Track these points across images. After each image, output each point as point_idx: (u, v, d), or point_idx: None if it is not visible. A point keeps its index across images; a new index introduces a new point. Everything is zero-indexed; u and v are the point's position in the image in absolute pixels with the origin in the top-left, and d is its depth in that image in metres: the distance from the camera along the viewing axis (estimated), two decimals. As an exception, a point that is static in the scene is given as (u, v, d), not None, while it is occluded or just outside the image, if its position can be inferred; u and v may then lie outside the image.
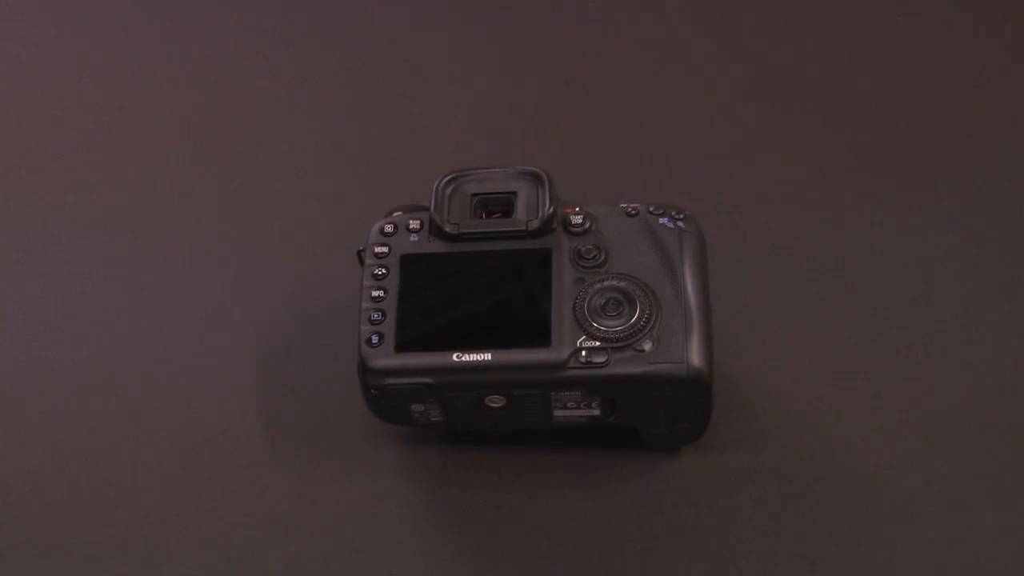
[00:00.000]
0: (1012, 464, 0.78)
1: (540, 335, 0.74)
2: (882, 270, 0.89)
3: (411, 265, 0.77)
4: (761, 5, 1.08)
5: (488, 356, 0.73)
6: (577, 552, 0.75)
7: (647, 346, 0.74)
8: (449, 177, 0.78)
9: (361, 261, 0.78)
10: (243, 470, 0.80)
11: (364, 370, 0.74)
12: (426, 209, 0.78)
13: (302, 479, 0.79)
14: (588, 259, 0.76)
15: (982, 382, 0.82)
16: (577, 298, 0.75)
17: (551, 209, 0.77)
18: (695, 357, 0.74)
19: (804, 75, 1.03)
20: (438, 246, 0.77)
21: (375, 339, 0.75)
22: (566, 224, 0.77)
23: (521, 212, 0.77)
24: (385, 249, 0.78)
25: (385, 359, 0.73)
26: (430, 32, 1.07)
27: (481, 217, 0.78)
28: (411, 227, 0.78)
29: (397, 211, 0.80)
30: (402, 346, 0.75)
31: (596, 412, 0.75)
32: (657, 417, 0.76)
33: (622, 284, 0.75)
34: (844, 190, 0.94)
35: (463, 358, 0.73)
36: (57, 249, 0.91)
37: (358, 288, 0.77)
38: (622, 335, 0.74)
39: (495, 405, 0.75)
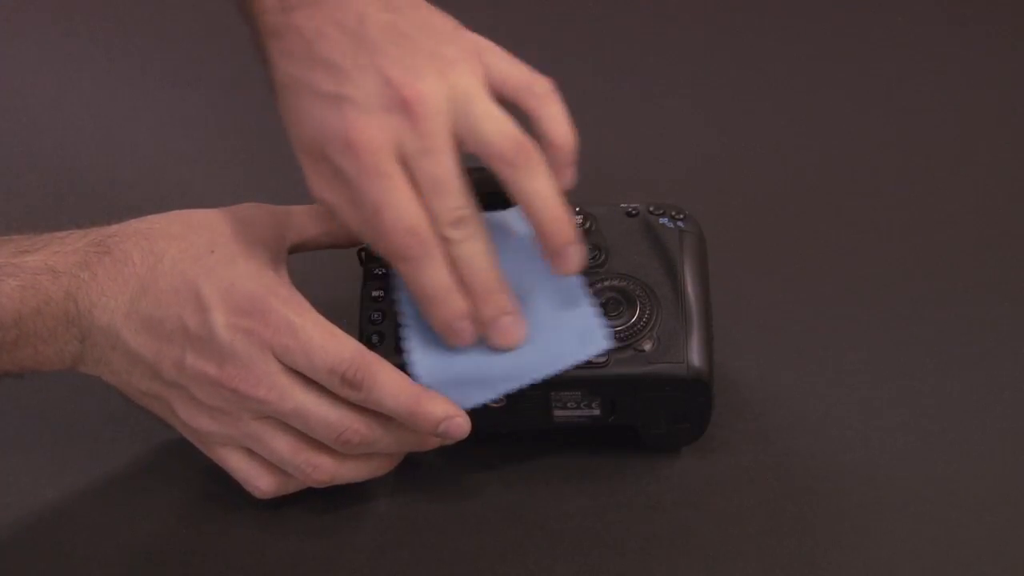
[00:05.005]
0: (1012, 464, 0.78)
1: (540, 335, 0.74)
2: (882, 270, 0.89)
3: (411, 265, 0.77)
4: (761, 5, 1.08)
5: (488, 356, 0.73)
6: (577, 552, 0.75)
7: (647, 346, 0.74)
8: (449, 177, 0.78)
9: (361, 261, 0.78)
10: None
11: (364, 370, 0.74)
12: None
13: (302, 479, 0.79)
14: (588, 259, 0.76)
15: (982, 382, 0.82)
16: (577, 298, 0.75)
17: (551, 209, 0.77)
18: (695, 357, 0.74)
19: (804, 76, 1.03)
20: (438, 246, 0.77)
21: (375, 339, 0.75)
22: (566, 224, 0.77)
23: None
24: (385, 249, 0.78)
25: (385, 359, 0.73)
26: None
27: (481, 217, 0.78)
28: (411, 227, 0.78)
29: (397, 211, 0.79)
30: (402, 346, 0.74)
31: (596, 412, 0.75)
32: (657, 417, 0.76)
33: (622, 284, 0.75)
34: (844, 190, 0.94)
35: (463, 358, 0.74)
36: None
37: (358, 288, 0.77)
38: (622, 335, 0.74)
39: (495, 405, 0.75)
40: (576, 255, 0.72)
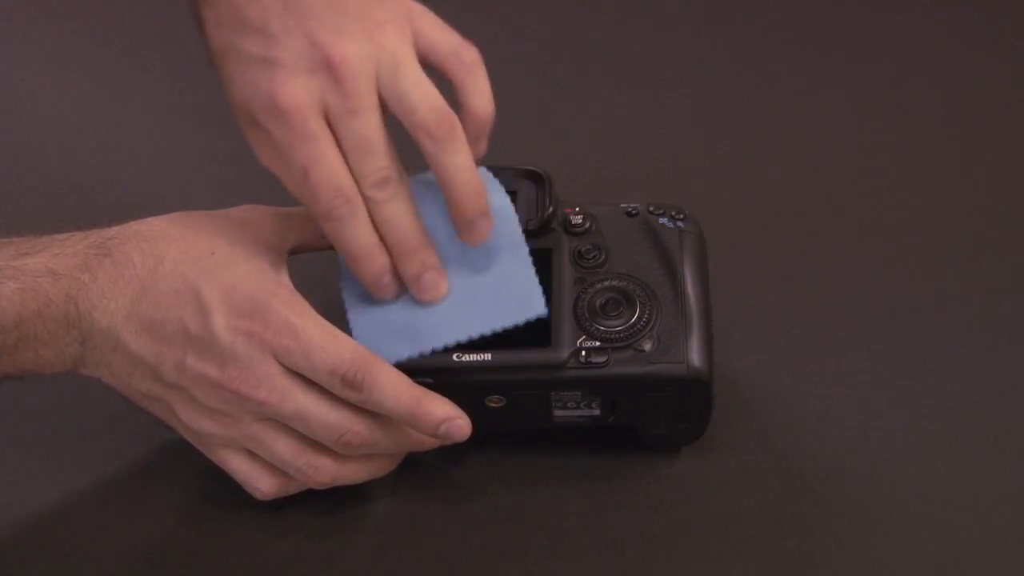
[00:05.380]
0: (1012, 464, 0.78)
1: (540, 335, 0.74)
2: (882, 270, 0.89)
3: (411, 265, 0.77)
4: (761, 5, 1.09)
5: (488, 356, 0.73)
6: (577, 552, 0.75)
7: (647, 346, 0.74)
8: (449, 177, 0.78)
9: (361, 261, 0.78)
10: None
11: (364, 370, 0.74)
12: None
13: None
14: (588, 259, 0.76)
15: (982, 382, 0.82)
16: (577, 298, 0.75)
17: (551, 209, 0.77)
18: (695, 357, 0.74)
19: (804, 75, 1.03)
20: (438, 246, 0.77)
21: (375, 339, 0.75)
22: (566, 224, 0.77)
23: (521, 212, 0.77)
24: (385, 249, 0.78)
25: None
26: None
27: (481, 217, 0.78)
28: (411, 227, 0.78)
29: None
30: (402, 346, 0.75)
31: (596, 412, 0.75)
32: (657, 417, 0.76)
33: (622, 284, 0.75)
34: (844, 190, 0.94)
35: (463, 358, 0.73)
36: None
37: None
38: (622, 335, 0.74)
39: (495, 405, 0.75)
40: (486, 226, 0.73)
